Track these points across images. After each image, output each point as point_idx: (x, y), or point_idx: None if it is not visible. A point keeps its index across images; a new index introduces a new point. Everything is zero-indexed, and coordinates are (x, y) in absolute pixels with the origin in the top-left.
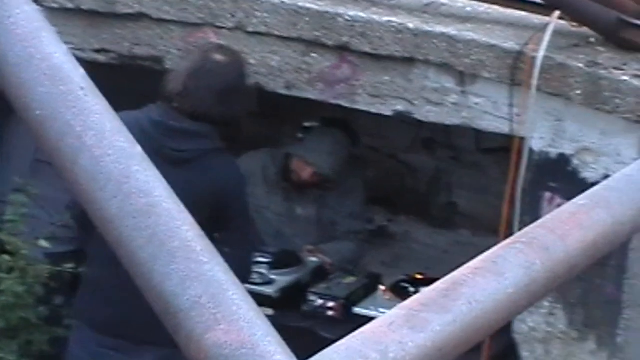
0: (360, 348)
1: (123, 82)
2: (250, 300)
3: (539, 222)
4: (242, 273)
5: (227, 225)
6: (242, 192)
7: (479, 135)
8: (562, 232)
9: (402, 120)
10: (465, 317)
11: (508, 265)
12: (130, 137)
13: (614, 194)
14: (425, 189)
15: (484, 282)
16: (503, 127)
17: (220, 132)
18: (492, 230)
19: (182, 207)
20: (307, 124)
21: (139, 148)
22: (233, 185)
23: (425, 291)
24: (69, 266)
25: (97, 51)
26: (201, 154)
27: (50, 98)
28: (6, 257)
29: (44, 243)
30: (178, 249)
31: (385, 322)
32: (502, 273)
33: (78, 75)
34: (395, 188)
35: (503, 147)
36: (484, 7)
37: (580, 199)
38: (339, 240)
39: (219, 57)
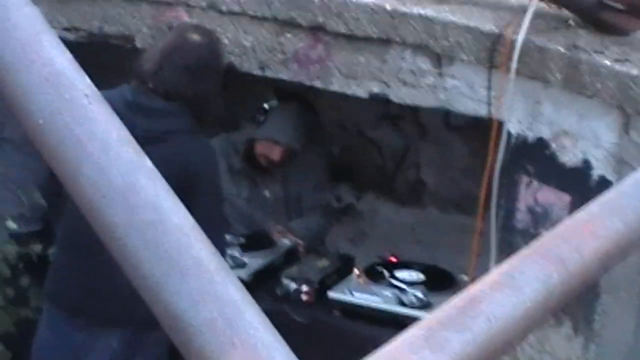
0: None
1: (93, 60)
2: (267, 322)
3: (554, 230)
4: None
5: (197, 205)
6: (213, 171)
7: (448, 112)
8: (577, 242)
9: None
10: (485, 335)
11: (525, 278)
12: (138, 147)
13: (627, 200)
14: (392, 166)
15: (502, 297)
16: (480, 110)
17: (193, 112)
18: (460, 208)
19: (193, 222)
20: (266, 105)
21: (147, 159)
22: (204, 164)
23: (443, 308)
24: (36, 247)
25: (67, 29)
26: (174, 134)
27: (53, 106)
28: None
29: (11, 224)
30: (190, 268)
31: (404, 343)
32: (519, 287)
33: (82, 82)
34: (362, 165)
35: (471, 125)
36: None
37: (593, 206)
38: (306, 215)
39: (195, 37)
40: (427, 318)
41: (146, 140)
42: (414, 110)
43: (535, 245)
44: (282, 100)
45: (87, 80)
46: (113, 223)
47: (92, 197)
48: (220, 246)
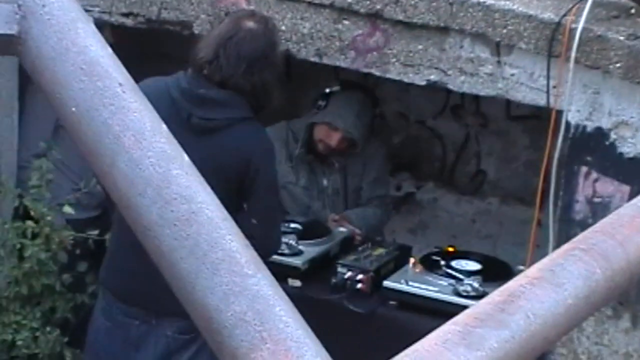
0: None
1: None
2: (298, 316)
3: (598, 225)
4: (272, 244)
5: (253, 194)
6: (269, 160)
7: (509, 102)
8: (622, 237)
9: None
10: (523, 333)
11: (567, 274)
12: (172, 137)
13: None
14: (453, 157)
15: (542, 293)
16: (539, 99)
17: (250, 101)
18: (520, 199)
19: (226, 214)
20: (328, 90)
21: (180, 150)
22: (260, 153)
23: (480, 304)
24: (93, 233)
25: (125, 15)
26: (229, 122)
27: (86, 94)
28: (30, 223)
29: (68, 209)
30: (221, 261)
31: (439, 339)
32: (561, 283)
33: (116, 70)
34: (423, 155)
35: (533, 114)
36: None
37: (639, 200)
38: (363, 206)
39: (251, 24)
40: (464, 314)
41: (202, 129)
42: (475, 99)
43: (578, 240)
44: (345, 88)
45: (122, 68)
46: (147, 220)
47: (126, 192)
48: (277, 235)
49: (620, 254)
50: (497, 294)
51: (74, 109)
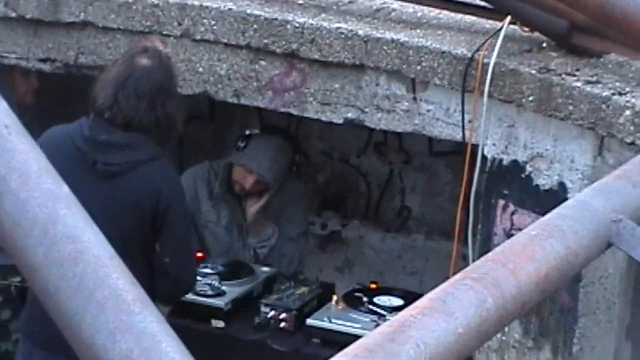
0: None
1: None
2: (185, 352)
3: (490, 254)
4: (186, 281)
5: (165, 232)
6: (178, 198)
7: (431, 138)
8: (513, 265)
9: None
10: None
11: (458, 303)
12: (58, 177)
13: (568, 222)
14: (378, 193)
15: (433, 322)
16: (455, 134)
17: (157, 137)
18: (445, 234)
19: (112, 252)
20: (248, 132)
21: (66, 189)
22: (168, 190)
23: (371, 334)
24: (15, 280)
25: (42, 60)
26: (135, 165)
27: None
28: None
29: None
30: (107, 299)
31: None
32: (451, 312)
33: (2, 113)
34: (348, 193)
35: (455, 150)
36: (435, 12)
37: (532, 229)
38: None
39: (145, 61)
40: (355, 344)
41: (109, 175)
42: (398, 136)
43: (470, 270)
44: (265, 131)
45: (8, 110)
46: (34, 261)
47: (12, 233)
48: (191, 272)
49: (511, 282)
50: (388, 325)
51: None
